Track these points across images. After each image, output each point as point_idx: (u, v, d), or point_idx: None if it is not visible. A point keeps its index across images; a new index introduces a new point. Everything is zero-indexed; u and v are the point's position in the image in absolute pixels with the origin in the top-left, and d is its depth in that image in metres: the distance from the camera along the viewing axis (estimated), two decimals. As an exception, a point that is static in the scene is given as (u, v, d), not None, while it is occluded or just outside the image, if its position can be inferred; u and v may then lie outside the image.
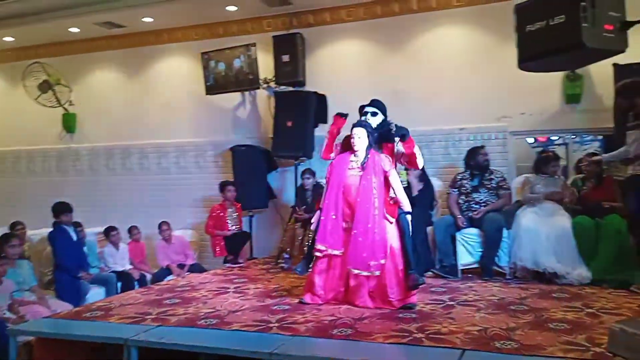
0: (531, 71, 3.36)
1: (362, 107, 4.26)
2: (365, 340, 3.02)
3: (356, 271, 3.84)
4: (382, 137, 4.16)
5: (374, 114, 4.16)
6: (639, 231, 4.34)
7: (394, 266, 3.88)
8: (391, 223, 3.94)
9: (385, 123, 4.17)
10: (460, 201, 5.29)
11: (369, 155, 3.98)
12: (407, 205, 4.01)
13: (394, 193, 4.03)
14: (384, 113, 4.22)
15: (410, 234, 4.00)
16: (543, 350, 2.79)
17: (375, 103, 4.26)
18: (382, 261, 3.83)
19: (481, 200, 5.20)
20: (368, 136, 4.00)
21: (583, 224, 4.75)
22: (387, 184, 4.01)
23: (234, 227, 6.26)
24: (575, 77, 5.66)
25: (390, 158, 4.05)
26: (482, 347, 2.87)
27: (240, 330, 3.29)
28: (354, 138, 4.01)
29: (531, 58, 2.96)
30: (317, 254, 3.97)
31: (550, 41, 2.76)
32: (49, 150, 8.27)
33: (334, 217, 3.96)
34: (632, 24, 2.85)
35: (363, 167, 3.96)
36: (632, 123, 4.46)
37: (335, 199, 3.98)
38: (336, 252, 3.95)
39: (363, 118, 4.16)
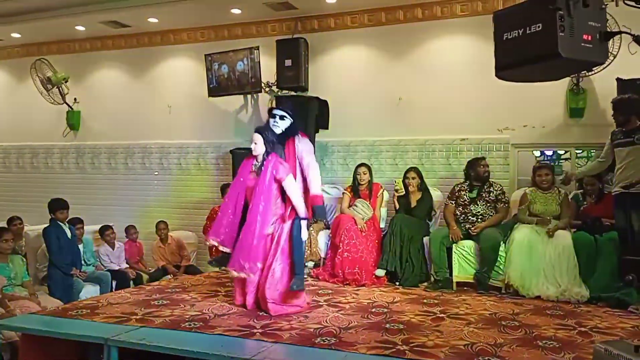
0: (508, 80, 3.32)
1: (270, 110, 4.31)
2: (347, 350, 2.97)
3: (233, 272, 3.92)
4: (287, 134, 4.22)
5: (282, 117, 4.19)
6: (626, 248, 4.30)
7: (281, 270, 3.96)
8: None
9: (292, 128, 4.20)
10: (457, 212, 5.23)
11: (264, 161, 4.02)
12: (301, 212, 4.03)
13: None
14: (293, 117, 4.24)
15: (301, 240, 4.07)
16: (527, 368, 2.72)
17: (284, 105, 4.30)
18: (259, 264, 3.90)
19: (478, 212, 5.13)
20: (266, 142, 4.03)
21: (582, 241, 4.66)
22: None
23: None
24: (579, 91, 5.60)
25: (287, 165, 4.06)
26: (465, 362, 2.81)
27: (223, 335, 3.26)
28: (252, 143, 4.09)
29: (508, 67, 2.91)
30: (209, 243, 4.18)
31: (527, 50, 2.70)
32: (52, 147, 8.32)
33: (231, 217, 4.05)
34: (612, 34, 2.80)
35: (260, 171, 4.02)
36: (621, 140, 4.42)
37: (236, 200, 4.06)
38: (225, 249, 4.04)
39: (272, 121, 4.20)
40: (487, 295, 4.65)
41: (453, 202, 5.29)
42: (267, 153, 4.02)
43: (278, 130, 4.17)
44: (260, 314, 3.82)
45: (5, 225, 5.75)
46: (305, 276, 4.44)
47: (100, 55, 8.03)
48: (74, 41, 8.09)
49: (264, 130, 4.10)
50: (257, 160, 4.09)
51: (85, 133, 8.13)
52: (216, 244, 4.08)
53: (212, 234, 4.09)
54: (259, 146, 4.03)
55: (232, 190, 4.16)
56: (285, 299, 3.91)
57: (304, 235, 4.12)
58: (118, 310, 3.85)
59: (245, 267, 3.87)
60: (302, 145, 4.21)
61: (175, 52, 7.59)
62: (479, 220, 5.10)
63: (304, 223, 4.07)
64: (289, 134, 4.21)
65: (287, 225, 4.02)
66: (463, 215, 5.18)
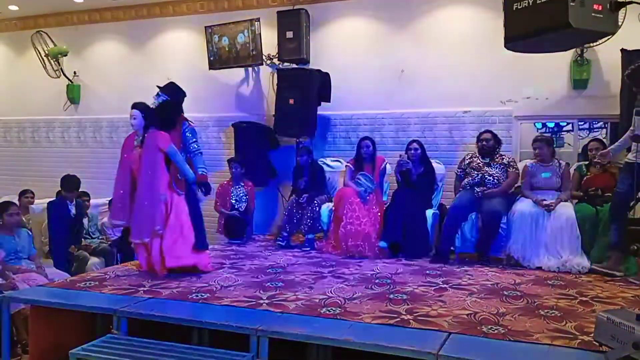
0: (518, 51, 3.29)
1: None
2: (352, 320, 3.02)
3: (136, 240, 4.17)
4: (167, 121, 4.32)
5: (157, 95, 4.33)
6: (617, 213, 4.31)
7: (182, 236, 4.17)
8: (180, 195, 4.23)
9: (168, 106, 4.30)
10: (473, 175, 5.19)
11: (145, 134, 4.21)
12: (188, 176, 4.25)
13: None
14: (171, 95, 4.34)
15: (198, 203, 4.35)
16: (530, 336, 2.77)
17: (166, 86, 4.41)
18: (157, 228, 4.08)
19: (494, 173, 5.13)
20: (144, 117, 4.23)
21: (584, 212, 4.69)
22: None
23: (237, 204, 6.08)
24: (583, 62, 5.55)
25: (167, 135, 4.20)
26: (469, 331, 2.86)
27: (230, 306, 3.31)
28: (131, 119, 4.27)
29: (518, 38, 2.88)
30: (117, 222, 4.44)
31: (537, 21, 2.67)
32: (53, 120, 8.28)
33: (122, 192, 4.27)
34: (622, 4, 2.76)
35: (142, 145, 4.22)
36: None
37: (124, 176, 4.29)
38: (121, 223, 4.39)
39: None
40: (489, 266, 4.71)
41: (462, 172, 5.32)
42: (147, 127, 4.21)
43: (154, 104, 4.31)
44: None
45: (12, 199, 5.78)
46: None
47: (99, 27, 7.93)
48: (72, 13, 7.97)
49: (140, 105, 4.29)
50: (137, 135, 4.28)
51: (85, 107, 8.08)
52: (120, 224, 4.39)
53: (114, 216, 4.36)
54: (137, 120, 4.24)
55: (119, 169, 4.34)
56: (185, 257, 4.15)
57: (200, 196, 4.35)
58: (125, 282, 3.91)
59: (143, 233, 4.09)
60: (188, 132, 4.35)
61: (174, 24, 7.48)
62: (496, 181, 5.09)
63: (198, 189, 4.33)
64: (166, 114, 4.30)
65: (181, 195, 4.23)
66: (480, 177, 5.15)
